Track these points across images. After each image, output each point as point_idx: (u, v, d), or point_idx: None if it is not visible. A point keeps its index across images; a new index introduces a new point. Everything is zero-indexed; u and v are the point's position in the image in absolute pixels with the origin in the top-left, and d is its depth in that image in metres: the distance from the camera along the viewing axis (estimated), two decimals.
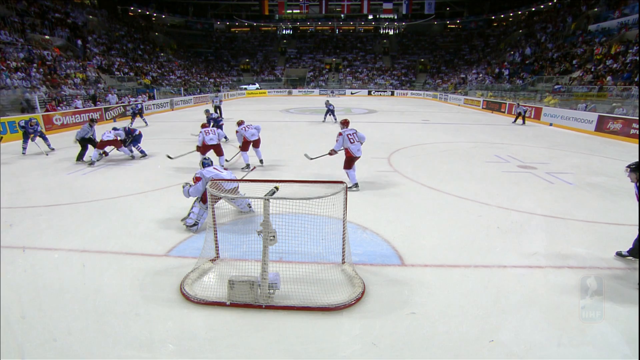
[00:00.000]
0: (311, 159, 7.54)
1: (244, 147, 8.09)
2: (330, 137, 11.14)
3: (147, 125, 15.93)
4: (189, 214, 4.75)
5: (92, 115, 15.01)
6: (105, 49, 26.66)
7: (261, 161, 8.37)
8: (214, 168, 4.89)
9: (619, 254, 4.04)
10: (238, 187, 4.70)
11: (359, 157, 6.49)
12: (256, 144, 8.25)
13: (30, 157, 9.24)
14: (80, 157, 8.75)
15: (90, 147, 8.85)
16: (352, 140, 6.39)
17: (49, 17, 23.95)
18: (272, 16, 49.05)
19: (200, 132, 7.84)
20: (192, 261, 3.80)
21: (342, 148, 6.52)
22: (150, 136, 12.23)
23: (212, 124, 11.04)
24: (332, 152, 6.77)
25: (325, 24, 51.01)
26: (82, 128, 8.88)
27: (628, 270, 3.77)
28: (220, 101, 17.87)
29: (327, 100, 17.23)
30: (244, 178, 5.93)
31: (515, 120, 16.63)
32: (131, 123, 15.75)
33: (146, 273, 3.68)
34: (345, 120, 6.96)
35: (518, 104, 17.18)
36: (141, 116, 16.40)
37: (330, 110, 16.82)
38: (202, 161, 5.07)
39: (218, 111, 17.04)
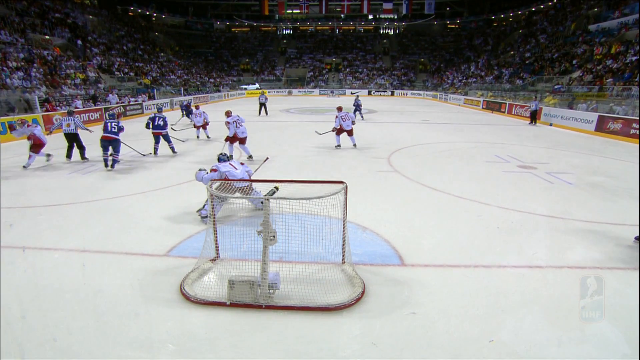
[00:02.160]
0: (320, 134, 10.72)
1: (233, 140, 8.64)
2: (328, 137, 11.13)
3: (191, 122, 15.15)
4: (204, 206, 4.98)
5: (90, 114, 15.08)
6: (105, 49, 26.66)
7: (250, 157, 8.80)
8: (230, 164, 5.06)
9: (637, 238, 4.17)
10: (251, 185, 4.81)
11: (349, 129, 9.89)
12: (243, 140, 8.77)
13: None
14: (69, 155, 8.64)
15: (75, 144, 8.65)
16: (344, 120, 9.80)
17: (49, 17, 23.94)
18: (272, 16, 49.05)
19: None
20: (192, 261, 3.80)
21: (339, 125, 9.84)
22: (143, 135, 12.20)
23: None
24: (334, 129, 9.93)
25: (325, 24, 51.03)
26: (64, 119, 8.58)
27: (628, 270, 3.78)
28: (266, 99, 19.85)
29: (357, 96, 17.55)
30: (259, 170, 6.23)
31: (533, 122, 15.89)
32: (186, 117, 15.40)
33: (146, 273, 3.68)
34: (340, 107, 10.32)
35: (535, 97, 16.96)
36: (189, 115, 15.21)
37: (358, 107, 17.45)
38: (219, 157, 5.27)
39: (263, 108, 19.32)
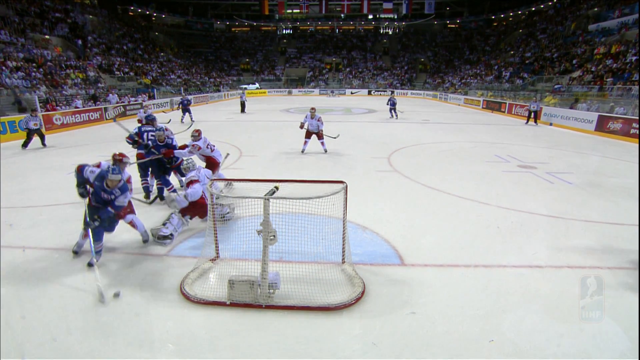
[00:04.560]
0: (334, 137, 10.53)
1: (215, 167, 5.94)
2: (328, 137, 11.12)
3: (192, 122, 15.43)
4: (164, 224, 4.34)
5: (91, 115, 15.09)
6: (105, 49, 26.64)
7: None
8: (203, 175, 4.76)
9: None
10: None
11: (316, 132, 9.53)
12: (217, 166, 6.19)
13: (31, 157, 9.23)
14: (25, 145, 10.07)
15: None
16: (311, 119, 9.44)
17: (49, 17, 23.93)
18: (272, 16, 49.01)
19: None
20: (192, 261, 3.80)
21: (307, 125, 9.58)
22: None
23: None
24: (302, 125, 9.64)
25: (325, 24, 50.98)
26: (26, 118, 10.06)
27: (628, 269, 3.78)
28: (245, 97, 21.62)
29: (393, 93, 17.56)
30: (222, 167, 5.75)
31: (535, 121, 15.80)
32: (182, 118, 16.27)
33: (146, 273, 3.69)
34: (313, 107, 9.85)
35: (535, 99, 17.02)
36: (189, 112, 16.63)
37: (393, 105, 17.88)
38: (188, 165, 4.79)
39: (243, 106, 20.96)
